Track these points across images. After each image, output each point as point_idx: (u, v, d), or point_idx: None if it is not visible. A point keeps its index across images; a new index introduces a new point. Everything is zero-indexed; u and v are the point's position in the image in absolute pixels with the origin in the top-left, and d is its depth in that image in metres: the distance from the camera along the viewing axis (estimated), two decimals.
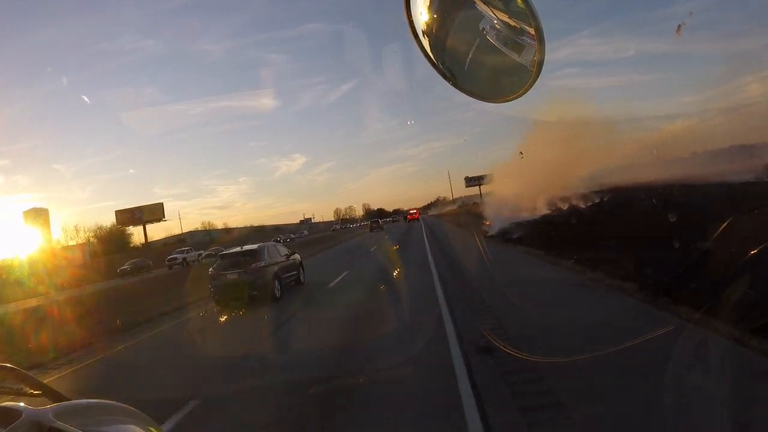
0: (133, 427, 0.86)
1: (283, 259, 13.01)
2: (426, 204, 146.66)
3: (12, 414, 0.75)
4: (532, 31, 1.35)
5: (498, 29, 1.38)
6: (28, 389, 1.02)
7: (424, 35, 1.42)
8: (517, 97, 1.43)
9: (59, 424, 0.71)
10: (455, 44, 1.44)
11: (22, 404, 0.80)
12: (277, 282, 11.89)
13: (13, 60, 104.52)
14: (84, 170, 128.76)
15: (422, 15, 1.42)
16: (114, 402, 0.91)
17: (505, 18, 1.38)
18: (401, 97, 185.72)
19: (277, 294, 11.75)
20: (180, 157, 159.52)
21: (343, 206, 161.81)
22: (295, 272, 13.69)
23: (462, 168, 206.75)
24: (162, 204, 66.77)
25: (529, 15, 1.33)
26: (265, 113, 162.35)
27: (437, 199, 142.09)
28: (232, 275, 11.59)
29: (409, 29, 1.40)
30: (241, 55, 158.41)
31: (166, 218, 66.17)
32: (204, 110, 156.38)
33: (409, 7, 1.39)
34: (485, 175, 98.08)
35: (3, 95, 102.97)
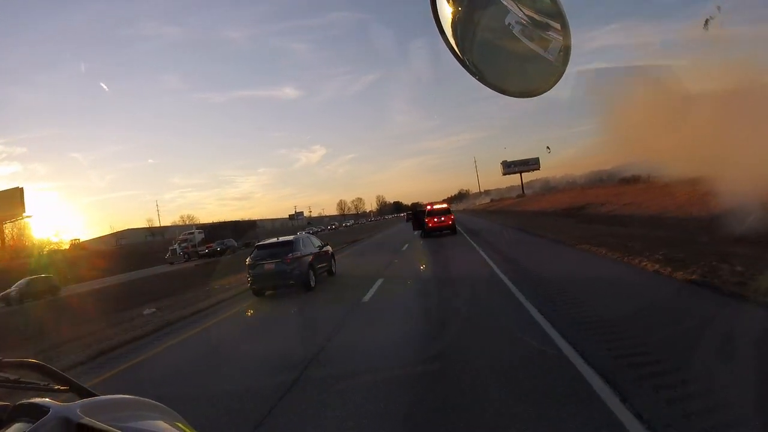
0: (160, 422, 0.86)
1: (317, 250, 13.41)
2: (448, 197, 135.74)
3: (40, 410, 0.76)
4: (557, 25, 1.40)
5: (524, 24, 1.40)
6: (55, 385, 1.03)
7: (450, 30, 1.43)
8: (542, 92, 1.47)
9: (87, 419, 0.72)
10: (481, 39, 1.45)
11: (49, 400, 0.81)
12: (311, 272, 12.29)
13: (31, 46, 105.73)
14: (102, 159, 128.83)
15: (448, 10, 1.43)
16: (141, 398, 0.91)
17: (531, 13, 1.41)
18: (425, 89, 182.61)
19: (312, 284, 12.09)
20: (199, 147, 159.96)
21: (352, 198, 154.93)
22: (326, 263, 14.08)
23: (487, 161, 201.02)
24: (21, 189, 45.86)
25: (555, 9, 1.41)
26: (287, 103, 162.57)
27: (460, 191, 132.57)
28: (269, 265, 12.00)
29: (435, 24, 1.42)
30: (264, 43, 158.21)
31: (27, 214, 46.66)
32: (224, 100, 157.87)
33: (435, 3, 1.42)
34: (533, 159, 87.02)
35: (21, 81, 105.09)
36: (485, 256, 13.48)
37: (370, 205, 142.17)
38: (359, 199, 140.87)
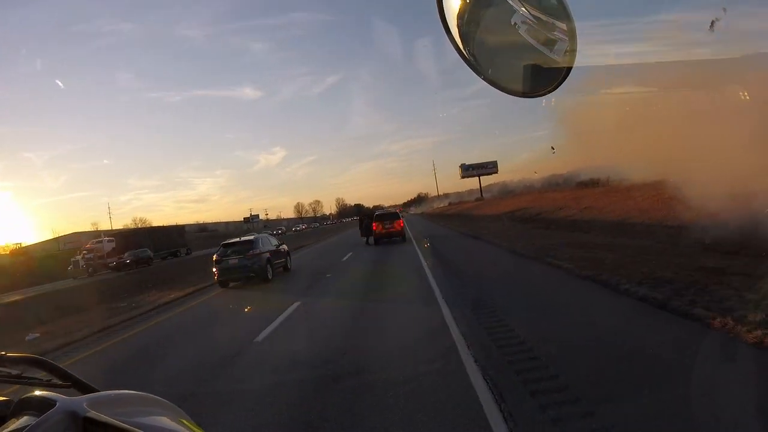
0: (165, 418, 0.86)
1: (274, 248, 15.77)
2: (407, 201, 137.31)
3: (46, 403, 0.76)
4: (564, 26, 1.38)
5: (530, 24, 1.38)
6: (56, 380, 1.03)
7: (455, 28, 1.42)
8: (548, 93, 1.46)
9: (94, 413, 0.71)
10: (486, 38, 1.44)
11: (55, 393, 0.82)
12: (269, 266, 14.64)
13: None
14: (56, 159, 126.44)
15: (454, 9, 1.43)
16: (146, 393, 0.91)
17: (537, 13, 1.38)
18: (387, 92, 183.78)
19: (269, 276, 14.55)
20: (156, 148, 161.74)
21: (311, 201, 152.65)
22: (283, 260, 16.59)
23: (446, 165, 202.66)
24: None
25: (562, 11, 1.37)
26: (246, 104, 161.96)
27: (419, 194, 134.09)
28: (233, 260, 14.31)
29: (440, 22, 1.41)
30: (223, 42, 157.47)
31: None
32: (182, 99, 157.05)
33: (441, 2, 1.41)
34: (491, 162, 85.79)
35: None
36: (433, 284, 10.11)
37: (330, 208, 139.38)
38: (317, 202, 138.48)
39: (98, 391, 0.93)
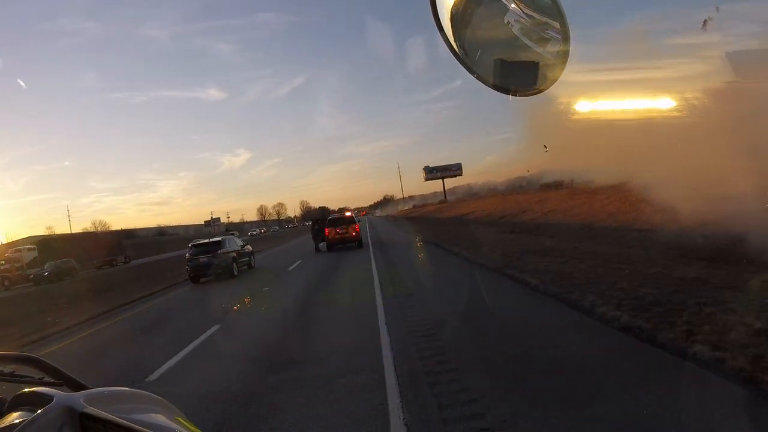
0: (161, 416, 0.85)
1: (239, 248, 17.78)
2: (373, 203, 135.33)
3: (43, 398, 0.76)
4: (557, 25, 1.38)
5: (523, 23, 1.37)
6: (49, 379, 1.02)
7: (448, 27, 1.40)
8: (540, 91, 1.44)
9: (91, 409, 0.71)
10: (479, 37, 1.42)
11: (52, 389, 0.83)
12: (234, 264, 16.67)
13: None
14: (17, 161, 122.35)
15: (447, 7, 1.41)
16: (142, 391, 0.91)
17: (530, 12, 1.37)
18: (352, 94, 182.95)
19: (235, 273, 16.54)
20: (118, 150, 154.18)
21: (274, 203, 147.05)
22: (248, 258, 18.58)
23: (412, 167, 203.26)
24: None
25: (555, 10, 1.38)
26: (210, 105, 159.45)
27: (384, 197, 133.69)
28: (203, 258, 16.20)
29: (433, 20, 1.39)
30: (188, 42, 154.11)
31: None
32: (145, 100, 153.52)
33: (434, 1, 1.39)
34: (455, 165, 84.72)
35: None
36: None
37: (294, 211, 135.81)
38: (281, 205, 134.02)
39: (90, 389, 0.92)
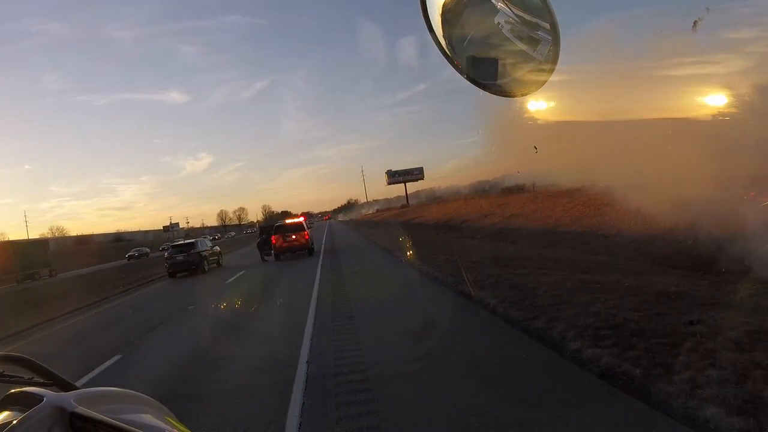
0: (151, 416, 0.85)
1: (209, 249, 21.56)
2: (337, 207, 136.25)
3: (33, 399, 0.75)
4: (547, 26, 1.36)
5: (513, 24, 1.35)
6: (39, 379, 1.00)
7: (438, 28, 1.39)
8: (530, 93, 1.44)
9: (81, 409, 0.71)
10: (470, 37, 1.40)
11: (42, 389, 0.82)
12: (205, 262, 20.12)
13: None
14: None
15: (437, 8, 1.39)
16: (132, 391, 0.90)
17: (521, 12, 1.36)
18: (317, 98, 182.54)
19: (206, 269, 19.86)
20: (79, 153, 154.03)
21: (235, 208, 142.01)
22: (217, 257, 22.11)
23: (375, 171, 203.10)
24: None
25: (545, 10, 1.35)
26: (173, 108, 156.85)
27: (349, 201, 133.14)
28: (179, 257, 19.74)
29: (423, 20, 1.38)
30: (152, 44, 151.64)
31: None
32: (107, 102, 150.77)
33: (425, 1, 1.37)
34: (417, 169, 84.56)
35: None
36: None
37: (256, 216, 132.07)
38: (242, 209, 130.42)
39: (80, 389, 0.92)
